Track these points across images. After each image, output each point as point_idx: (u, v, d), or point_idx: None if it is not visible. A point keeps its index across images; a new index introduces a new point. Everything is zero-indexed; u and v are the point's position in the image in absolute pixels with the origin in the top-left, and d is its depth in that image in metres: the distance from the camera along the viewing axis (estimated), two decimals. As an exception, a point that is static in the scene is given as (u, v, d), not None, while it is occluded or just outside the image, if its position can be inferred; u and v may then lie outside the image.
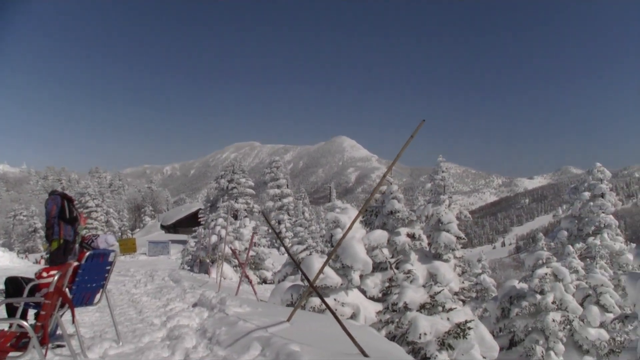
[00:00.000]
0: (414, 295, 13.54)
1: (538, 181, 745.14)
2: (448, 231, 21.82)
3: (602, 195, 33.37)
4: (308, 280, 8.07)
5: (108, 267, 8.00)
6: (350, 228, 7.85)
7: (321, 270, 8.25)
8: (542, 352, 21.61)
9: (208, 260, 31.35)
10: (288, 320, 8.70)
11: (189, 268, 33.27)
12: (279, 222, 55.16)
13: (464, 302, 24.59)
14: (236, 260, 28.72)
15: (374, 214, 20.67)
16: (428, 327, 12.52)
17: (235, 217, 44.61)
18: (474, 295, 31.87)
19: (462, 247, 24.53)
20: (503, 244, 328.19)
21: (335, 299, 14.73)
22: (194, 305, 12.59)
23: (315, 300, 13.83)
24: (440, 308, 14.42)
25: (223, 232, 31.04)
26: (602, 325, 23.17)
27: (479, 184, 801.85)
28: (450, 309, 14.26)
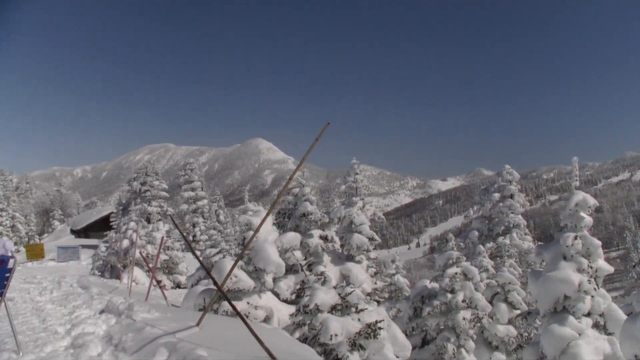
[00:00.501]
0: (325, 296, 13.51)
1: (451, 183, 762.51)
2: (360, 233, 21.97)
3: (511, 196, 34.31)
4: (216, 283, 7.95)
5: (7, 275, 7.64)
6: (258, 230, 7.75)
7: (230, 274, 8.13)
8: (454, 349, 22.00)
9: (119, 265, 30.61)
10: (197, 324, 8.55)
11: (99, 274, 32.41)
12: (194, 225, 54.50)
13: (378, 302, 24.80)
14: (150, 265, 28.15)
15: (287, 217, 20.63)
16: (339, 328, 12.52)
17: (149, 221, 43.76)
18: (387, 295, 32.21)
19: (376, 248, 24.75)
20: (418, 245, 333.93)
21: (248, 302, 14.59)
22: (101, 312, 12.23)
23: (227, 304, 13.66)
24: (353, 309, 14.46)
25: (135, 236, 30.38)
26: (510, 321, 23.81)
27: (394, 186, 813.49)
28: (362, 310, 14.32)
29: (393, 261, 36.29)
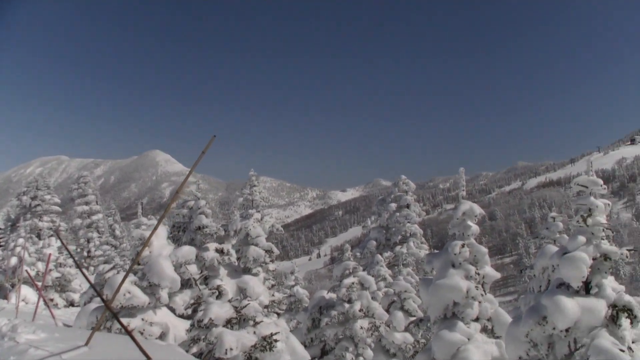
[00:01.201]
0: (219, 310, 13.35)
1: (351, 193, 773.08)
2: (257, 245, 21.90)
3: (408, 206, 35.00)
4: (104, 301, 7.68)
5: None
6: (147, 243, 7.59)
7: (119, 290, 7.91)
8: (352, 358, 22.23)
9: (7, 285, 29.27)
10: (86, 344, 8.25)
11: (-15, 294, 30.87)
12: (88, 241, 52.76)
13: (278, 314, 24.76)
14: (38, 283, 27.03)
15: (182, 230, 20.31)
16: (234, 342, 12.39)
17: (39, 237, 42.05)
18: (287, 307, 32.20)
19: (275, 260, 24.74)
20: (318, 255, 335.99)
21: (143, 319, 14.23)
22: (-18, 335, 11.58)
23: (123, 321, 13.25)
24: (251, 322, 14.36)
25: (23, 253, 29.11)
26: (407, 329, 24.27)
27: (294, 197, 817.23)
28: (259, 323, 14.24)
29: (292, 272, 36.33)
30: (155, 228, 7.63)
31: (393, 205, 35.27)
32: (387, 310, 24.57)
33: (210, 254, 17.99)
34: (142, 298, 14.02)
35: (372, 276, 28.21)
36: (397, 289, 25.45)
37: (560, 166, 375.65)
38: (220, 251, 18.40)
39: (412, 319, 24.39)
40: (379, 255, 30.28)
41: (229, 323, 13.69)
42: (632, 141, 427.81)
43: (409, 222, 34.56)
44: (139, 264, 14.45)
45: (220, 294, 15.26)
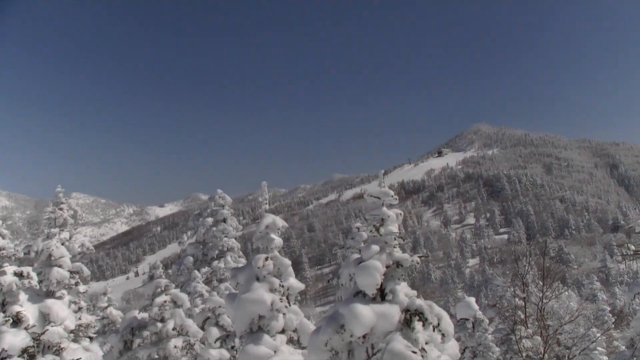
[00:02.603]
0: (14, 339, 12.58)
1: (169, 209, 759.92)
2: (60, 266, 20.88)
3: (225, 220, 34.88)
4: None
5: None
6: None
7: None
8: (167, 378, 21.81)
9: None
10: None
11: None
12: None
13: (91, 338, 23.78)
14: None
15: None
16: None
17: None
18: (101, 330, 31.01)
19: (90, 281, 23.80)
20: (137, 274, 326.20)
21: None
22: None
23: None
24: (54, 349, 13.64)
25: None
26: (222, 344, 24.18)
27: (109, 214, 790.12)
28: (62, 349, 13.58)
29: (105, 293, 35.02)
30: None
31: (209, 220, 35.00)
32: (202, 327, 24.34)
33: (8, 278, 16.80)
34: None
35: (189, 293, 27.88)
36: (211, 305, 25.27)
37: (374, 178, 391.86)
38: (20, 274, 17.30)
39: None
40: (196, 271, 29.96)
41: (25, 352, 12.89)
42: (439, 153, 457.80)
43: (226, 236, 34.46)
44: None
45: (18, 321, 14.34)
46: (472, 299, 24.81)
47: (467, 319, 24.09)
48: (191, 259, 34.30)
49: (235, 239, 35.49)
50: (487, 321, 25.25)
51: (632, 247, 21.19)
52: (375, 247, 10.39)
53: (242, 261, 34.52)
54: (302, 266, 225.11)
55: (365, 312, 9.75)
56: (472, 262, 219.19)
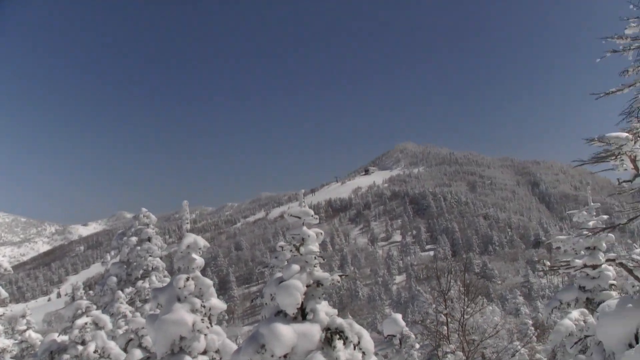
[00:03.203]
0: None
1: (93, 227, 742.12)
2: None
3: (149, 239, 34.36)
4: None
5: None
6: None
7: None
8: (87, 403, 21.28)
9: None
10: None
11: None
12: None
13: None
14: None
15: None
16: None
17: None
18: (17, 354, 30.00)
19: (9, 303, 23.06)
20: (59, 295, 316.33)
21: None
22: None
23: None
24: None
25: None
26: (144, 366, 23.79)
27: (30, 233, 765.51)
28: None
29: (24, 316, 33.89)
30: None
31: (134, 239, 34.43)
32: (125, 349, 23.88)
33: None
34: None
35: (112, 314, 27.32)
36: (134, 326, 24.85)
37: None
38: None
39: (151, 354, 24.01)
40: (120, 292, 29.37)
41: None
42: (366, 172, 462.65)
43: (150, 255, 33.95)
44: None
45: None
46: (399, 316, 25.08)
47: (394, 336, 24.35)
48: (115, 279, 33.64)
49: (161, 258, 35.02)
50: (414, 337, 25.60)
51: (547, 263, 21.96)
52: (296, 267, 10.48)
53: (168, 281, 34.03)
54: (229, 285, 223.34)
55: (286, 332, 9.81)
56: (399, 278, 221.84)
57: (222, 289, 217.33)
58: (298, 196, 12.89)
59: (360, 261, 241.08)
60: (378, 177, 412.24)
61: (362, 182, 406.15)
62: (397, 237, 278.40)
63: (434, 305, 27.74)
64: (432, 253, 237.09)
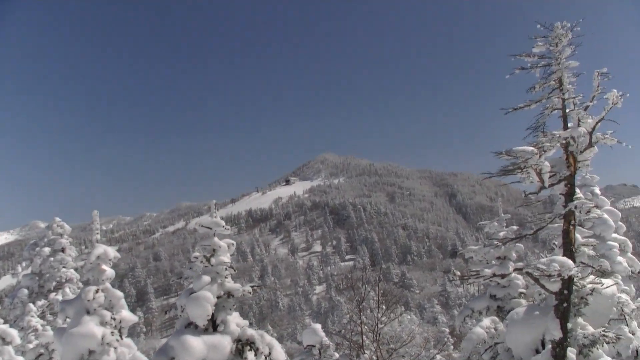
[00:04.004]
0: None
1: (4, 237, 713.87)
2: None
3: (63, 250, 33.40)
4: None
5: None
6: None
7: None
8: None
9: None
10: None
11: None
12: None
13: None
14: None
15: None
16: None
17: None
18: None
19: None
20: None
21: None
22: None
23: None
24: None
25: None
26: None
27: None
28: None
29: None
30: None
31: (47, 250, 33.38)
32: (35, 364, 23.15)
33: None
34: None
35: (23, 328, 26.40)
36: (44, 340, 24.12)
37: (222, 206, 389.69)
38: None
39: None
40: (31, 305, 28.41)
41: None
42: (287, 182, 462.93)
43: (64, 267, 32.99)
44: None
45: None
46: (319, 326, 25.09)
47: (313, 346, 24.35)
48: (26, 291, 32.54)
49: (76, 269, 34.10)
50: (334, 347, 25.72)
51: (458, 273, 22.50)
52: (207, 278, 10.39)
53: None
54: (147, 297, 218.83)
55: (196, 344, 9.71)
56: (319, 289, 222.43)
57: (140, 301, 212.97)
58: (218, 206, 12.80)
59: (281, 271, 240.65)
60: (299, 188, 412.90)
61: (283, 192, 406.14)
62: (318, 248, 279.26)
63: (348, 315, 27.96)
64: (351, 263, 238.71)
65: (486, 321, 19.92)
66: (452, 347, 49.56)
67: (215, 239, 10.83)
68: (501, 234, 22.23)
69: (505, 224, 23.25)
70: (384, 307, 27.54)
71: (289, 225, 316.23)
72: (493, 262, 21.80)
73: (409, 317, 53.97)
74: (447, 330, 60.55)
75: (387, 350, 26.49)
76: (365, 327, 26.48)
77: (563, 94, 14.49)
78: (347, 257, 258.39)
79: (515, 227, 22.84)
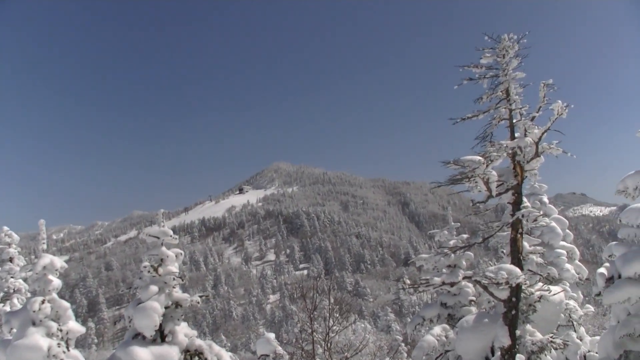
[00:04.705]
0: None
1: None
2: None
3: (11, 260, 32.69)
4: None
5: None
6: None
7: None
8: None
9: None
10: None
11: None
12: None
13: None
14: None
15: None
16: None
17: None
18: None
19: None
20: None
21: None
22: None
23: None
24: None
25: None
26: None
27: None
28: None
29: None
30: None
31: (-6, 259, 32.71)
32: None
33: None
34: None
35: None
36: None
37: (175, 215, 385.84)
38: None
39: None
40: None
41: None
42: (241, 191, 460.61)
43: (12, 277, 32.29)
44: None
45: None
46: (272, 335, 25.08)
47: (267, 355, 24.32)
48: (-34, 303, 31.78)
49: (25, 279, 33.41)
50: (287, 356, 25.65)
51: (407, 281, 22.70)
52: (154, 288, 10.27)
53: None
54: (99, 307, 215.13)
55: (143, 355, 9.58)
56: (273, 298, 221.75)
57: (92, 311, 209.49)
58: (171, 215, 12.67)
59: (234, 281, 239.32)
60: (252, 197, 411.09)
61: (237, 201, 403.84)
62: (271, 257, 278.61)
63: (299, 324, 27.94)
64: (305, 272, 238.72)
65: (437, 329, 20.04)
66: (405, 354, 49.86)
67: (163, 248, 10.70)
68: (451, 242, 22.47)
69: (455, 233, 23.52)
70: (337, 315, 27.57)
71: (243, 234, 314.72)
72: (444, 270, 22.01)
73: (362, 325, 54.19)
74: (401, 338, 60.96)
75: (340, 359, 26.51)
76: (318, 335, 26.47)
77: (510, 104, 14.74)
78: (301, 265, 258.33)
79: (465, 236, 23.12)
